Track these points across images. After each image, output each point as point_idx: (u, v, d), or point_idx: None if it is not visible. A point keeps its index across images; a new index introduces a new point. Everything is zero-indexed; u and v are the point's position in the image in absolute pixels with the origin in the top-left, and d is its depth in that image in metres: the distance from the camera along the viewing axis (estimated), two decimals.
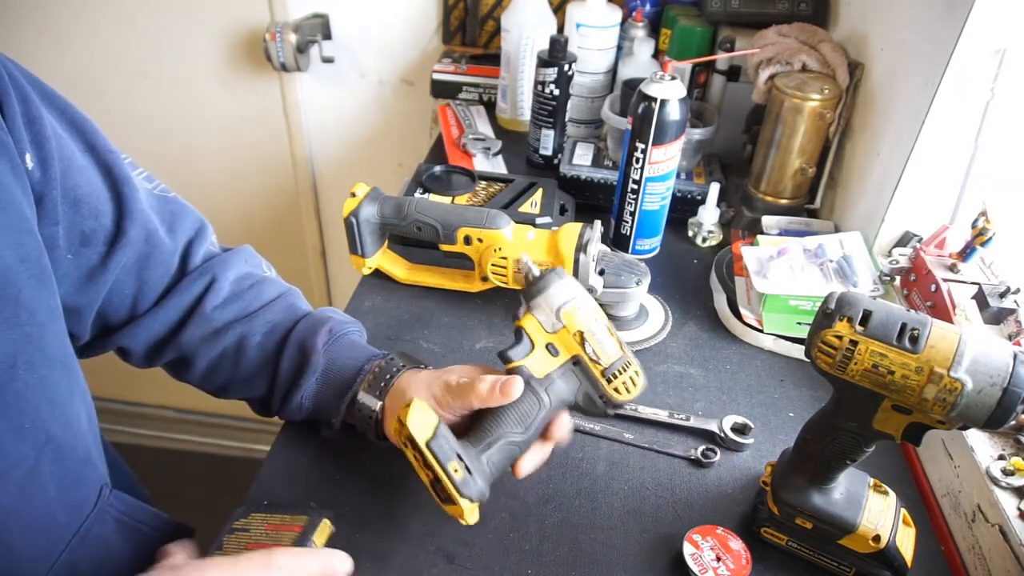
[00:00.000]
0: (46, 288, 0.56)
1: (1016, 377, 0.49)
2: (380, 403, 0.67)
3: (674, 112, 0.90)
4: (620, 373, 0.63)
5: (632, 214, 0.98)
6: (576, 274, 0.83)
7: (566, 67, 1.12)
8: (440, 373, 0.67)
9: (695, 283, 0.99)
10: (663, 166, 0.94)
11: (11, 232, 0.53)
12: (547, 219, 0.99)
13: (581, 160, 1.14)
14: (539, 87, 1.14)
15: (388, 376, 0.68)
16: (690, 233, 1.08)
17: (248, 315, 0.71)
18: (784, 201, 1.07)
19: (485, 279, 0.89)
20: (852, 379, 0.54)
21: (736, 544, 0.63)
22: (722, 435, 0.76)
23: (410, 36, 1.53)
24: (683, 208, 1.08)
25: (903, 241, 0.92)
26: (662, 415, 0.78)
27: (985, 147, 0.84)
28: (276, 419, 0.76)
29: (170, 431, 2.28)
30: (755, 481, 0.72)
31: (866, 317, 0.53)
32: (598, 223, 0.86)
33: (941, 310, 0.77)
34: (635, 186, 0.96)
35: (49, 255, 0.58)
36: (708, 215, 1.05)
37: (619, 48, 1.26)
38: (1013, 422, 0.53)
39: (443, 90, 1.41)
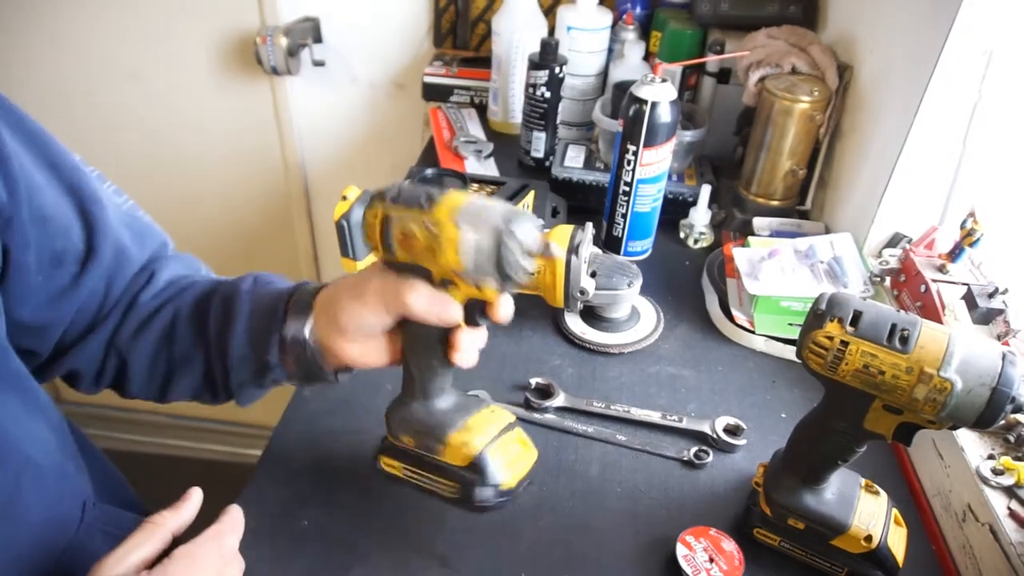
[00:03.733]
0: None
1: (1005, 377, 0.49)
2: (309, 323, 0.61)
3: (665, 114, 0.90)
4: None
5: (624, 216, 0.99)
6: (568, 276, 0.83)
7: (557, 70, 1.12)
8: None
9: (687, 285, 0.99)
10: (654, 168, 0.95)
11: None
12: (539, 221, 0.99)
13: (573, 162, 1.14)
14: (530, 90, 1.14)
15: (307, 298, 0.62)
16: (682, 235, 1.08)
17: (178, 294, 0.68)
18: (775, 202, 1.07)
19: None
20: (843, 379, 0.54)
21: (729, 545, 0.63)
22: (714, 436, 0.76)
23: (401, 39, 1.52)
24: (674, 210, 1.08)
25: (893, 242, 0.93)
26: (655, 417, 0.78)
27: (973, 148, 0.85)
28: (270, 421, 0.75)
29: (162, 436, 2.26)
30: (747, 482, 0.72)
31: (856, 318, 0.53)
32: (589, 225, 0.86)
33: (931, 310, 0.78)
34: (627, 188, 0.96)
35: (16, 279, 0.56)
36: (699, 217, 1.05)
37: (610, 51, 1.27)
38: (1002, 422, 0.53)
39: (434, 93, 1.41)
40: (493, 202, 0.52)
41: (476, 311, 0.55)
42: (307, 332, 0.61)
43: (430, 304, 0.54)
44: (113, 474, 0.75)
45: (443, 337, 0.56)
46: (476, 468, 0.58)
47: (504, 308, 0.55)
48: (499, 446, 0.59)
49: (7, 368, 0.56)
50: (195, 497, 0.58)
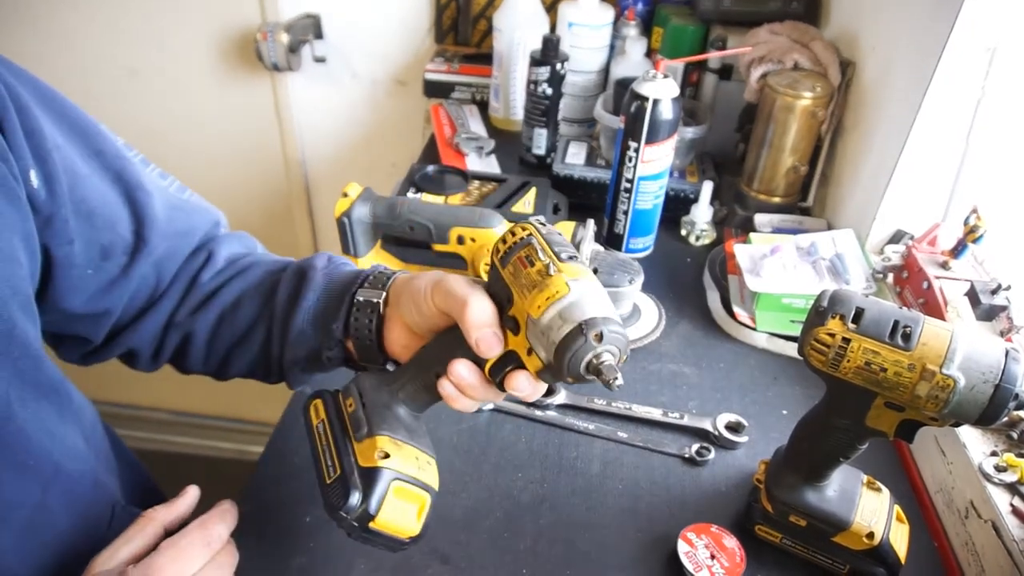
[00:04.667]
0: (32, 320, 0.54)
1: (1008, 374, 0.49)
2: (383, 294, 0.61)
3: (667, 111, 0.90)
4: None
5: (625, 213, 0.98)
6: None
7: (558, 66, 1.12)
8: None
9: (688, 282, 0.99)
10: (656, 165, 0.94)
11: (4, 262, 0.50)
12: (540, 218, 0.99)
13: (574, 159, 1.14)
14: (532, 86, 1.14)
15: (388, 277, 0.62)
16: (683, 232, 1.08)
17: (243, 271, 0.68)
18: (777, 199, 1.07)
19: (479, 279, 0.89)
20: (845, 376, 0.54)
21: (730, 542, 0.63)
22: (716, 433, 0.76)
23: (402, 36, 1.52)
24: (676, 207, 1.08)
25: (895, 239, 0.92)
26: (656, 414, 0.78)
27: (976, 145, 0.84)
28: (271, 418, 0.75)
29: (164, 433, 2.27)
30: (749, 479, 0.72)
31: (859, 315, 0.53)
32: (591, 222, 0.86)
33: (933, 307, 0.78)
34: (628, 185, 0.96)
35: (61, 273, 0.56)
36: (701, 213, 1.05)
37: (612, 47, 1.26)
38: (1005, 419, 0.53)
39: (436, 90, 1.41)
40: (611, 303, 0.50)
41: (504, 367, 0.52)
42: (380, 300, 0.61)
43: (485, 318, 0.51)
44: (142, 472, 0.75)
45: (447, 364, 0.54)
46: (368, 478, 0.54)
47: (525, 384, 0.51)
48: (400, 489, 0.54)
49: (41, 376, 0.55)
50: (191, 493, 0.58)
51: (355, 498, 0.51)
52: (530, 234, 0.53)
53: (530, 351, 0.50)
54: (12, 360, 0.51)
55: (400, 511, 0.53)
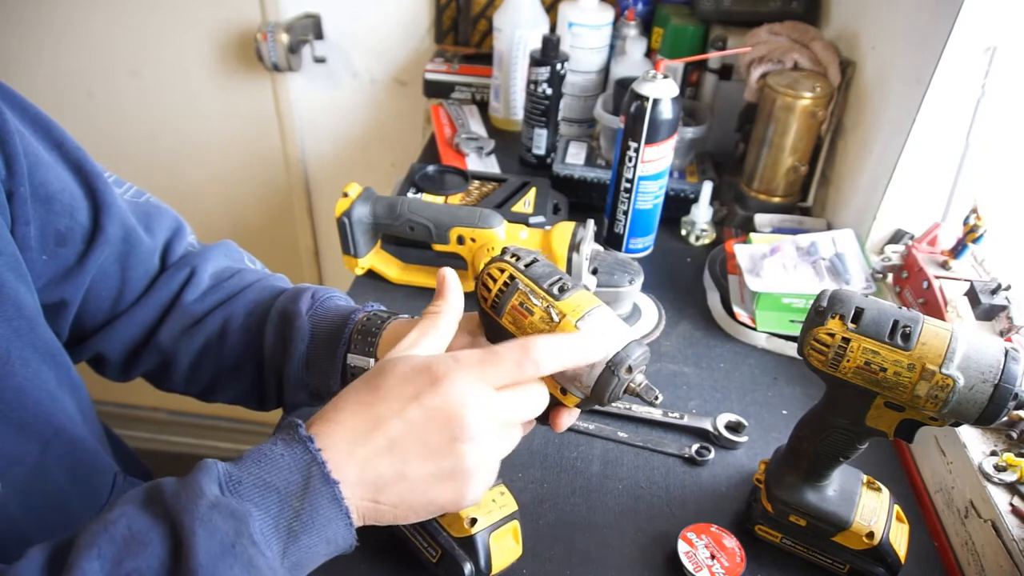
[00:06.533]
0: (25, 282, 0.54)
1: (1007, 373, 0.49)
2: (372, 360, 0.61)
3: (667, 111, 0.90)
4: None
5: (625, 213, 0.98)
6: (569, 273, 0.83)
7: (558, 66, 1.12)
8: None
9: (688, 282, 0.99)
10: (656, 165, 0.94)
11: None
12: (540, 218, 0.99)
13: (574, 159, 1.14)
14: (532, 86, 1.14)
15: (374, 330, 0.62)
16: (683, 232, 1.08)
17: (229, 299, 0.68)
18: (777, 199, 1.07)
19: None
20: (845, 376, 0.54)
21: (730, 542, 0.63)
22: (716, 433, 0.76)
23: (402, 36, 1.52)
24: (676, 207, 1.08)
25: (895, 238, 0.92)
26: (656, 414, 0.78)
27: (976, 144, 0.84)
28: (271, 419, 0.75)
29: (164, 433, 2.27)
30: (749, 479, 0.72)
31: (858, 314, 0.53)
32: (591, 222, 0.86)
33: (933, 307, 0.78)
34: (628, 185, 0.96)
35: (20, 256, 0.56)
36: (701, 213, 1.05)
37: (612, 47, 1.26)
38: (1005, 418, 0.53)
39: (436, 90, 1.41)
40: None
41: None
42: (371, 366, 0.60)
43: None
44: (137, 461, 0.75)
45: None
46: (469, 547, 0.58)
47: (570, 420, 0.53)
48: (496, 535, 0.59)
49: (40, 338, 0.56)
50: (449, 280, 0.54)
51: (468, 568, 0.57)
52: (512, 276, 0.52)
53: (563, 390, 0.51)
54: (7, 319, 0.51)
55: (503, 550, 0.59)
